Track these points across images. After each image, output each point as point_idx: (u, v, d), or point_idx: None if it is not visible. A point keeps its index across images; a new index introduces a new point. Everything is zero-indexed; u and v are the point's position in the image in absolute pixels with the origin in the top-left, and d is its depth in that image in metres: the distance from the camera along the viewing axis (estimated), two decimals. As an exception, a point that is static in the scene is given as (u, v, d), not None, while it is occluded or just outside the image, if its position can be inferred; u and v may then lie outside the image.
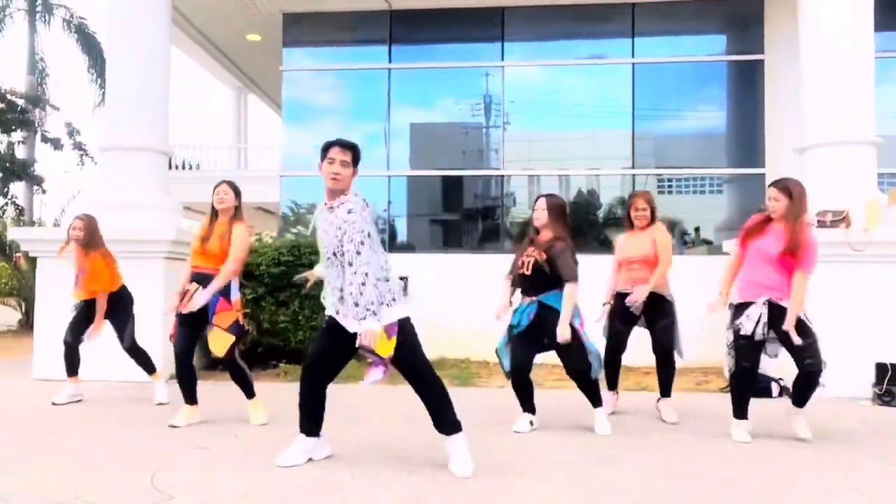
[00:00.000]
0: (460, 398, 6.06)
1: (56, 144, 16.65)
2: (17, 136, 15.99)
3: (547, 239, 5.05)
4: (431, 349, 8.46)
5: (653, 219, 5.68)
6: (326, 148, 4.03)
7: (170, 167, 10.52)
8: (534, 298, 5.01)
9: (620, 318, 5.67)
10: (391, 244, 10.34)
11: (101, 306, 6.10)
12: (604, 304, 5.77)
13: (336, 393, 5.85)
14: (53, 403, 6.10)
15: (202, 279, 5.21)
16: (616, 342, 5.74)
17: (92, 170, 16.94)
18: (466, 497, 3.59)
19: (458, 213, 10.76)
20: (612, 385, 5.86)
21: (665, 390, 5.75)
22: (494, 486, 3.75)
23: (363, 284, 3.78)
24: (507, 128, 10.44)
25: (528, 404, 5.23)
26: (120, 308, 6.21)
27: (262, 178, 15.77)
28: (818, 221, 7.01)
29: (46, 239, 8.11)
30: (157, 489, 3.67)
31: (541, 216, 5.11)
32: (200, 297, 5.10)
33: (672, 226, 9.92)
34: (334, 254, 3.96)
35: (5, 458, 4.32)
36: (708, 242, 9.90)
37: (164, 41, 8.50)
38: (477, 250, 10.29)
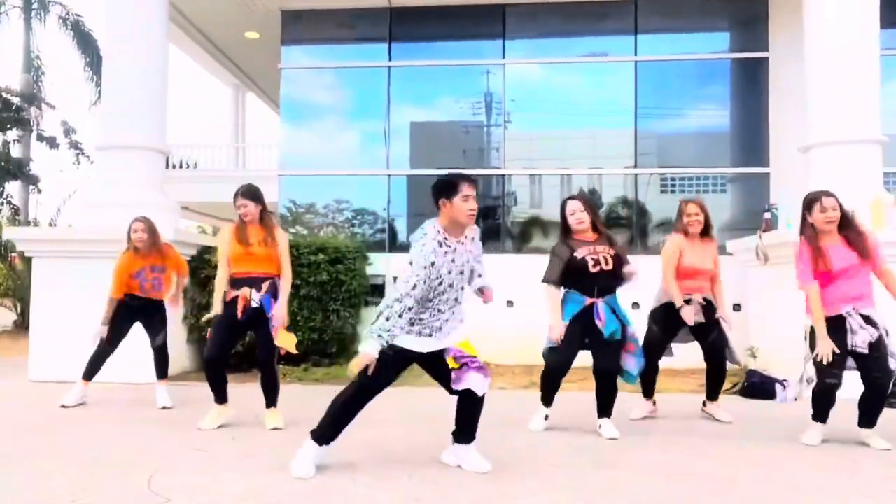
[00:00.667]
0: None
1: (52, 143, 16.61)
2: (13, 134, 15.95)
3: (600, 236, 5.13)
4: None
5: (708, 228, 5.64)
6: (455, 185, 3.95)
7: (167, 166, 10.44)
8: (604, 300, 4.99)
9: (668, 327, 5.62)
10: (391, 244, 10.27)
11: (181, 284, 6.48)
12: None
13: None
14: (63, 406, 6.05)
15: (252, 282, 5.23)
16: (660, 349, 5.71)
17: (88, 169, 16.89)
18: (467, 499, 3.58)
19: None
20: (649, 393, 5.83)
21: (714, 395, 5.75)
22: (495, 489, 3.74)
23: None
24: (509, 126, 10.38)
25: (550, 399, 5.25)
26: (161, 308, 6.30)
27: (261, 177, 15.68)
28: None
29: (42, 239, 8.06)
30: (154, 492, 3.65)
31: (583, 218, 5.09)
32: (280, 313, 5.24)
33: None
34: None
35: (1, 460, 4.29)
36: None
37: (161, 39, 8.46)
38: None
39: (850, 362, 4.78)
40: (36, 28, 18.14)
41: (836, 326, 4.70)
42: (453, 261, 3.95)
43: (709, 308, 5.55)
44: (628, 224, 10.08)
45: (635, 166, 10.00)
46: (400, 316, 3.82)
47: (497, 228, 10.41)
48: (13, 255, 14.06)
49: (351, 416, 4.05)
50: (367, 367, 3.86)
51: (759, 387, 6.84)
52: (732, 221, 9.68)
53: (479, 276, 4.21)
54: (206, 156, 19.89)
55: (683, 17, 10.11)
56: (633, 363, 5.13)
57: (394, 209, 10.49)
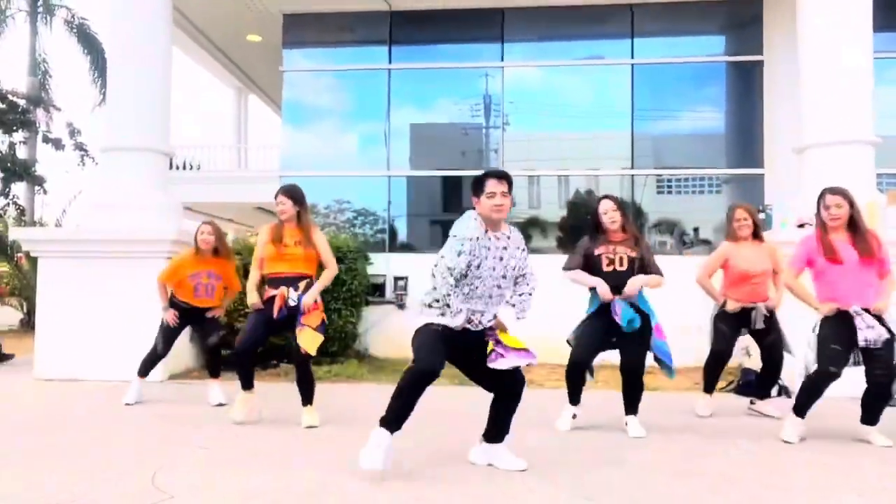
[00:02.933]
0: (463, 398, 6.10)
1: (57, 145, 16.68)
2: (19, 136, 16.01)
3: (627, 237, 5.17)
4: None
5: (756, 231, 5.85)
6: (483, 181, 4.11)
7: (170, 167, 10.53)
8: (622, 297, 5.00)
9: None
10: (391, 244, 10.36)
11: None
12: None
13: (335, 392, 5.85)
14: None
15: (289, 282, 5.28)
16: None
17: (93, 170, 16.97)
18: (467, 498, 3.60)
19: (458, 214, 10.69)
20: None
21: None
22: (494, 487, 3.76)
23: None
24: (507, 128, 10.45)
25: (576, 396, 5.29)
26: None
27: (263, 178, 15.79)
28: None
29: (47, 239, 8.13)
30: (157, 489, 3.67)
31: (616, 217, 5.15)
32: (306, 300, 5.20)
33: (671, 227, 9.94)
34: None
35: (5, 458, 4.33)
36: (707, 242, 9.90)
37: (164, 41, 8.51)
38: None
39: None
40: (41, 31, 18.22)
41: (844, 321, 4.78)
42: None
43: None
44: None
45: (632, 168, 10.06)
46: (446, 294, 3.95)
47: (496, 229, 10.47)
48: (19, 255, 14.18)
49: (410, 401, 3.91)
50: (421, 349, 3.92)
51: (755, 385, 6.87)
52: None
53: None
54: (209, 157, 19.98)
55: (679, 20, 10.15)
56: (665, 355, 5.16)
57: (394, 210, 10.56)
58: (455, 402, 5.99)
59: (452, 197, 10.73)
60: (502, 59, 10.42)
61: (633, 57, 10.13)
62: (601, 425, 5.34)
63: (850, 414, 4.97)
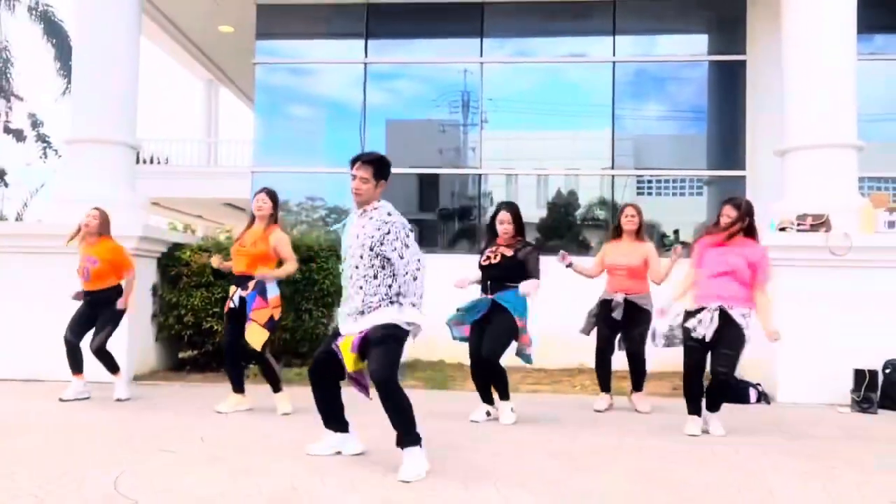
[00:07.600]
0: (435, 401, 6.00)
1: (19, 136, 16.26)
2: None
3: (515, 241, 5.55)
4: (405, 352, 8.30)
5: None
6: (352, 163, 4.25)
7: (137, 161, 10.24)
8: (490, 296, 5.44)
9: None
10: (365, 243, 10.16)
11: (128, 290, 6.38)
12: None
13: (304, 395, 5.73)
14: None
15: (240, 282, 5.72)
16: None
17: (56, 163, 16.54)
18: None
19: (434, 213, 10.61)
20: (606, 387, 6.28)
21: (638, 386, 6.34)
22: (469, 494, 3.68)
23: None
24: (485, 126, 10.29)
25: (487, 396, 5.66)
26: (112, 305, 6.30)
27: (233, 173, 15.50)
28: (798, 225, 6.97)
29: (8, 234, 7.87)
30: (120, 494, 3.56)
31: (508, 229, 5.54)
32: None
33: (651, 228, 9.85)
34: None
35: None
36: (686, 245, 9.82)
37: (132, 31, 8.30)
38: (453, 250, 10.13)
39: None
40: (5, 18, 17.70)
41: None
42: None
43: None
44: (605, 226, 10.03)
45: (612, 168, 9.96)
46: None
47: (472, 229, 10.34)
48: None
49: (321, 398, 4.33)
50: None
51: (732, 390, 6.83)
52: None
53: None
54: (178, 151, 19.59)
55: (662, 18, 10.07)
56: (529, 350, 5.54)
57: (368, 208, 10.34)
58: (431, 405, 5.86)
59: (428, 195, 10.57)
60: (481, 55, 10.25)
61: (614, 55, 10.01)
62: (576, 431, 5.29)
63: (828, 422, 4.99)
